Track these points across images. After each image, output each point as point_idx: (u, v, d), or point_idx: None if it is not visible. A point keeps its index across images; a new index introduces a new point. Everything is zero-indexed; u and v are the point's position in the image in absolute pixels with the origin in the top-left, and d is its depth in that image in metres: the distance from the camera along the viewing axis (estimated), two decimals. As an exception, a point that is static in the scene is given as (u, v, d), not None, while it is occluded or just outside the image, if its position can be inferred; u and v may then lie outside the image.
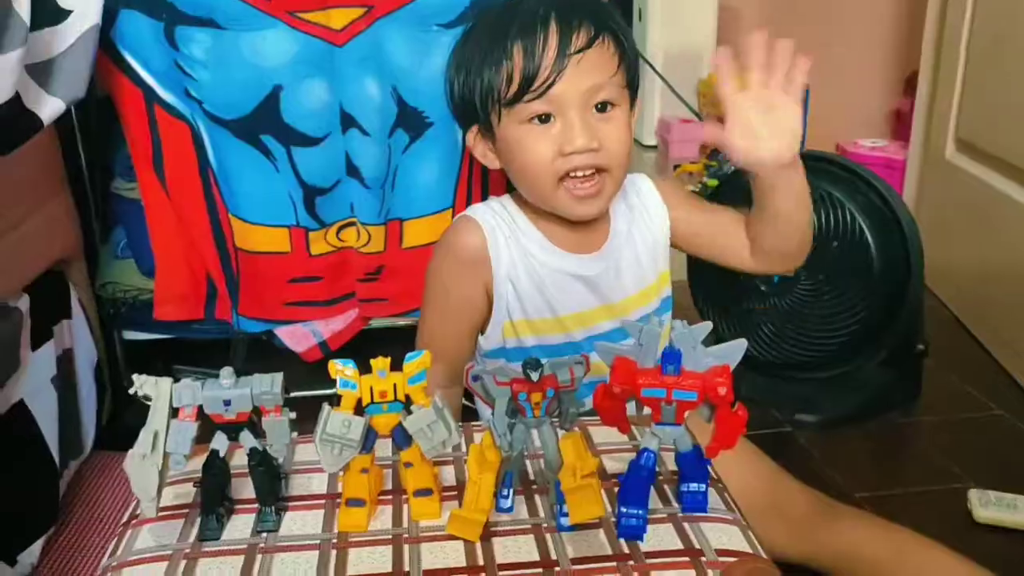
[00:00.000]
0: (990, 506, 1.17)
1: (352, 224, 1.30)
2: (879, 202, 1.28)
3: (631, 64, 0.89)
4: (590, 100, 0.85)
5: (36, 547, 1.04)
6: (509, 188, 1.27)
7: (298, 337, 1.38)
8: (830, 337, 1.33)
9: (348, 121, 1.20)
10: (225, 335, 1.41)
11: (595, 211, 0.89)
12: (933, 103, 1.92)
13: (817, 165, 1.34)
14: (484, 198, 1.28)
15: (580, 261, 0.94)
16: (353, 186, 1.25)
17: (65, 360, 1.19)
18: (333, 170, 1.24)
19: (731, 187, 1.42)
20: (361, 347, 1.39)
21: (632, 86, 0.90)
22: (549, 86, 0.83)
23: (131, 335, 1.44)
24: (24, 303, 1.06)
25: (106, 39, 1.11)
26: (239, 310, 1.33)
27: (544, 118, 0.85)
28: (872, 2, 2.48)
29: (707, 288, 1.45)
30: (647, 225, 0.98)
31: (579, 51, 0.83)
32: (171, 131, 1.21)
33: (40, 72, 0.96)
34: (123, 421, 1.41)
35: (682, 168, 2.69)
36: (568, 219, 0.91)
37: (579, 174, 0.86)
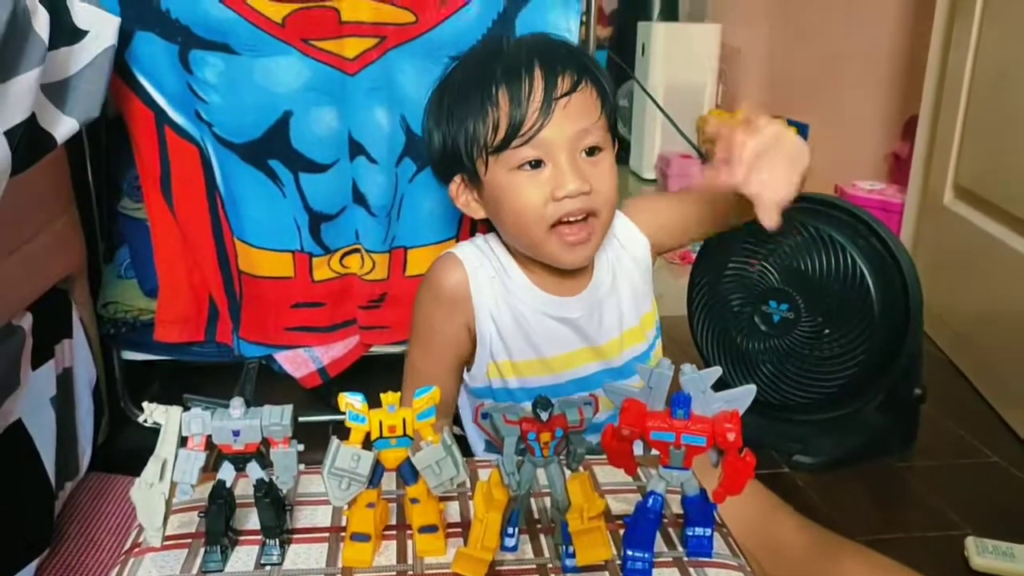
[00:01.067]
0: (987, 554, 1.17)
1: (356, 251, 1.30)
2: (880, 246, 1.29)
3: (612, 110, 0.89)
4: (578, 144, 0.85)
5: (30, 569, 1.03)
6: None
7: (298, 363, 1.37)
8: (830, 379, 1.34)
9: (356, 149, 1.21)
10: (224, 359, 1.41)
11: (584, 259, 0.89)
12: (932, 148, 1.94)
13: (820, 208, 1.35)
14: (489, 229, 1.30)
15: (563, 303, 0.94)
16: (359, 213, 1.26)
17: (64, 380, 1.18)
18: (340, 197, 1.25)
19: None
20: (360, 374, 1.39)
21: (613, 131, 0.91)
22: (537, 131, 0.83)
23: (130, 355, 1.43)
24: (27, 322, 1.06)
25: (120, 60, 1.11)
26: (240, 334, 1.33)
27: (535, 164, 0.85)
28: (873, 46, 2.52)
29: (706, 326, 1.45)
30: (629, 265, 0.98)
31: (565, 95, 0.84)
32: (180, 153, 1.21)
33: (55, 92, 0.97)
34: (119, 443, 1.41)
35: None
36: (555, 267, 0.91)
37: (570, 219, 0.86)
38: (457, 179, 0.92)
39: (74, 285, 1.25)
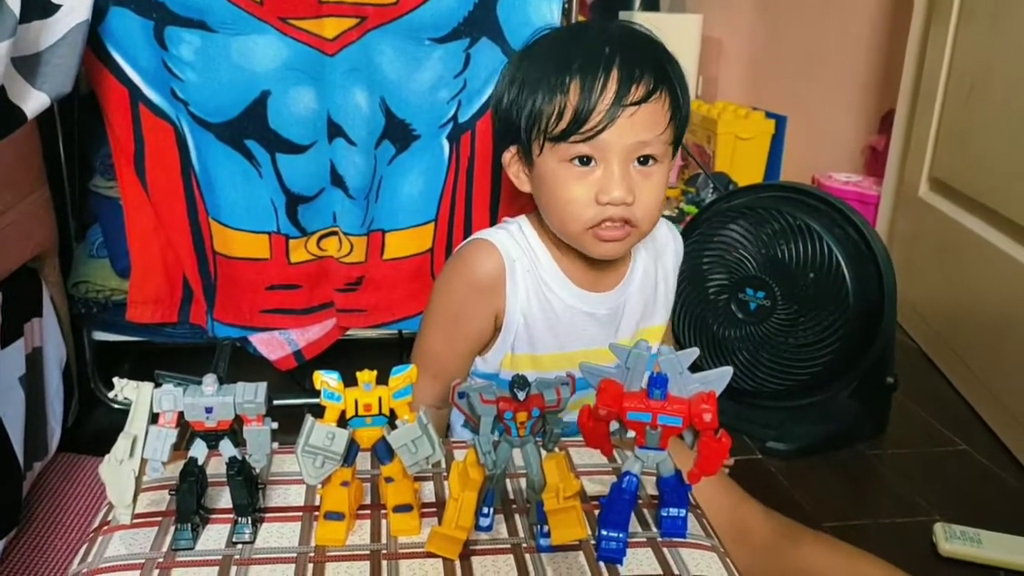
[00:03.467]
0: (955, 540, 1.18)
1: (334, 233, 1.29)
2: (856, 236, 1.30)
3: (681, 121, 0.87)
4: (634, 153, 0.84)
5: (-4, 549, 1.02)
6: (493, 205, 1.28)
7: (273, 345, 1.36)
8: (804, 366, 1.35)
9: (335, 130, 1.20)
10: (197, 340, 1.39)
11: (614, 254, 0.89)
12: (908, 141, 1.96)
13: (797, 197, 1.36)
14: (467, 213, 1.29)
15: (594, 299, 0.94)
16: (337, 195, 1.25)
17: (34, 359, 1.16)
18: (317, 178, 1.24)
19: (710, 213, 1.44)
20: (336, 358, 1.38)
21: (677, 141, 0.89)
22: (598, 132, 0.82)
23: (101, 336, 1.42)
24: (-4, 299, 1.04)
25: (94, 35, 1.09)
26: (214, 315, 1.32)
27: (585, 160, 0.84)
28: (852, 39, 2.53)
29: (683, 313, 1.46)
30: (659, 267, 0.99)
31: (635, 103, 0.82)
32: (155, 131, 1.19)
33: (26, 66, 0.95)
34: (89, 424, 1.39)
35: (660, 192, 2.71)
36: (588, 256, 0.90)
37: (609, 223, 0.85)
38: (513, 149, 0.91)
39: (44, 264, 1.22)
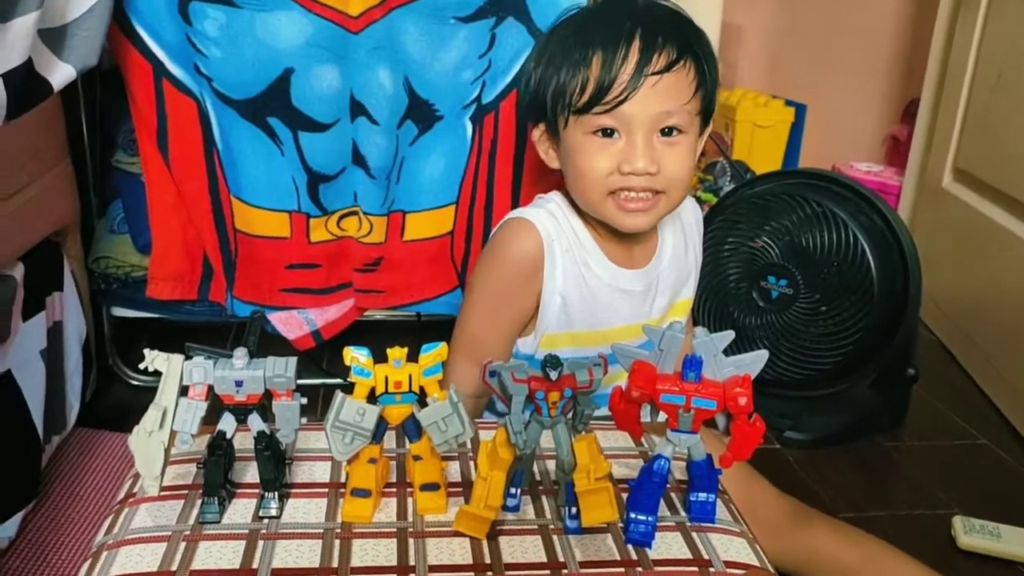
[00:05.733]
0: (974, 533, 1.17)
1: (354, 213, 1.28)
2: (882, 224, 1.29)
3: (708, 91, 0.87)
4: (658, 123, 0.84)
5: (14, 521, 1.02)
6: (515, 188, 1.27)
7: (291, 324, 1.36)
8: (825, 356, 1.34)
9: (358, 109, 1.19)
10: (216, 319, 1.39)
11: (642, 225, 0.89)
12: (933, 131, 1.94)
13: (822, 184, 1.34)
14: (489, 196, 1.28)
15: (630, 276, 0.94)
16: (358, 175, 1.24)
17: (55, 333, 1.16)
18: (339, 157, 1.23)
19: (733, 200, 1.43)
20: (355, 339, 1.37)
21: (706, 113, 0.88)
22: (620, 102, 0.82)
23: (120, 312, 1.42)
24: (19, 271, 1.04)
25: (119, 9, 1.09)
26: (234, 293, 1.31)
27: (608, 132, 0.84)
28: (875, 26, 2.50)
29: (704, 299, 1.45)
30: (686, 239, 1.00)
31: (657, 73, 0.82)
32: (178, 107, 1.19)
33: (53, 38, 0.94)
34: (106, 400, 1.39)
35: (677, 180, 2.70)
36: (617, 229, 0.90)
37: (632, 195, 0.85)
38: (541, 126, 0.92)
39: (66, 238, 1.23)
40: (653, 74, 0.82)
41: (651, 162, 0.83)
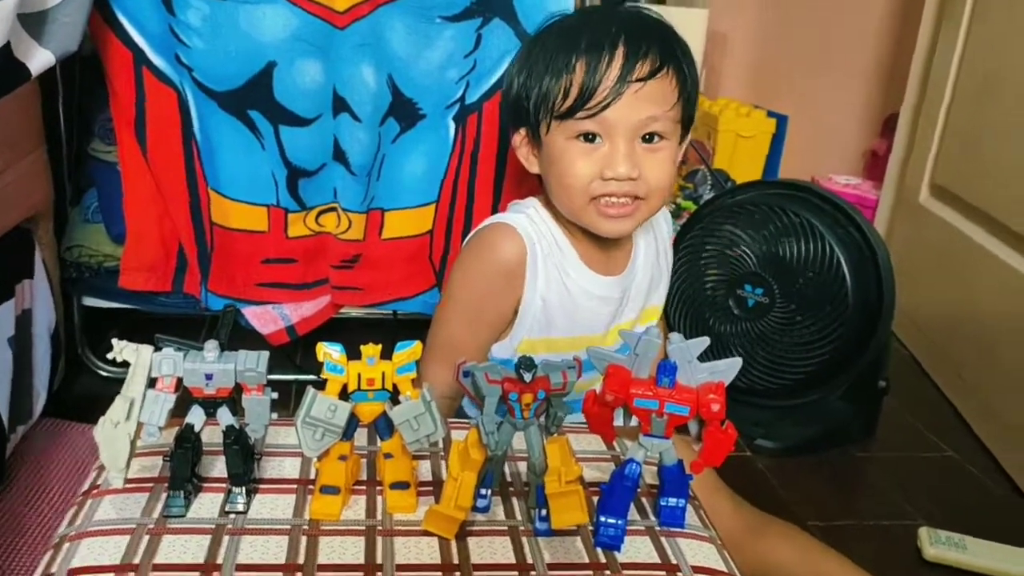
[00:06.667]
0: (939, 544, 1.18)
1: (333, 209, 1.28)
2: (858, 237, 1.30)
3: (689, 100, 0.88)
4: (640, 130, 0.85)
5: (-22, 510, 1.01)
6: (496, 189, 1.27)
7: (266, 319, 1.35)
8: (799, 366, 1.34)
9: (340, 105, 1.18)
10: (188, 311, 1.38)
11: (623, 231, 0.89)
12: (911, 146, 1.95)
13: (800, 195, 1.35)
14: (470, 197, 1.28)
15: (607, 283, 0.95)
16: (338, 171, 1.23)
17: (23, 321, 1.15)
18: (320, 153, 1.22)
19: (712, 208, 1.43)
20: (330, 335, 1.36)
21: (686, 121, 0.90)
22: (603, 108, 0.83)
23: (92, 302, 1.40)
24: (-12, 257, 1.03)
25: (100, -4, 1.08)
26: (209, 286, 1.30)
27: (591, 137, 0.85)
28: (858, 40, 2.53)
29: (680, 307, 1.45)
30: (658, 246, 1.01)
31: (640, 79, 0.83)
32: (157, 96, 1.18)
33: (33, 23, 0.93)
34: (74, 390, 1.37)
35: (657, 187, 2.71)
36: (596, 235, 0.90)
37: (613, 200, 0.86)
38: (523, 131, 0.92)
39: (38, 225, 1.21)
40: (637, 80, 0.82)
41: (633, 167, 0.84)
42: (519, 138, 0.93)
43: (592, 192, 0.86)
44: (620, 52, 0.83)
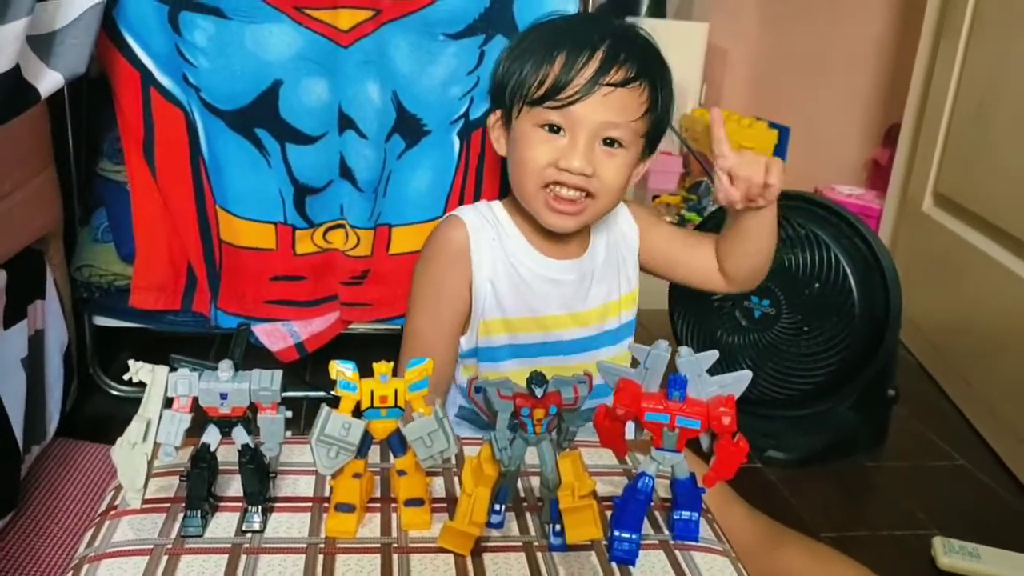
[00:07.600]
0: (953, 554, 1.18)
1: (340, 226, 1.28)
2: (863, 246, 1.30)
3: (657, 118, 0.92)
4: (601, 132, 0.88)
5: (-8, 531, 1.01)
6: (501, 198, 1.28)
7: (275, 336, 1.35)
8: (807, 376, 1.35)
9: (346, 122, 1.19)
10: (199, 329, 1.38)
11: (567, 227, 0.92)
12: (914, 156, 1.96)
13: (804, 206, 1.36)
14: (476, 199, 1.28)
15: (557, 266, 0.97)
16: (345, 188, 1.24)
17: (36, 341, 1.15)
18: (326, 170, 1.23)
19: (714, 224, 1.44)
20: (339, 352, 1.37)
21: (651, 138, 0.93)
22: (571, 103, 0.86)
23: (102, 321, 1.41)
24: (1, 279, 1.03)
25: (108, 17, 1.08)
26: (218, 304, 1.31)
27: (555, 129, 0.88)
28: (858, 51, 2.54)
29: (687, 319, 1.46)
30: (619, 244, 1.02)
31: (611, 85, 0.86)
32: (165, 116, 1.19)
33: (41, 45, 0.94)
34: (86, 410, 1.38)
35: (660, 199, 2.71)
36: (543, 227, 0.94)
37: (563, 192, 0.89)
38: (497, 113, 0.96)
39: (49, 246, 1.22)
40: (607, 85, 0.86)
41: (587, 164, 0.87)
42: (493, 118, 0.97)
43: (545, 178, 0.89)
44: (599, 55, 0.87)
